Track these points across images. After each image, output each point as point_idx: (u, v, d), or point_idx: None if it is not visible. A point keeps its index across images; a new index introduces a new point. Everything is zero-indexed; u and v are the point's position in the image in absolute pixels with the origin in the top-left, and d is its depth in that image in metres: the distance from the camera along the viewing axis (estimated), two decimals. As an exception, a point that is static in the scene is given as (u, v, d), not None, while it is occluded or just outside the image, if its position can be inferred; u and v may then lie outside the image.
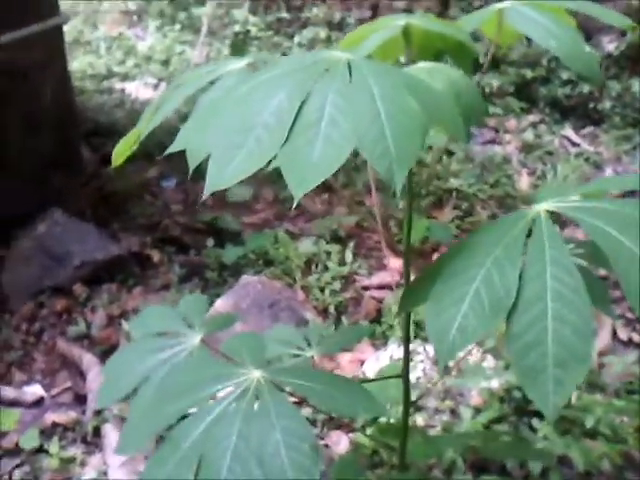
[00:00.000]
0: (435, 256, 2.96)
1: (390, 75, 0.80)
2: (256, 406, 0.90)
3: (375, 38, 0.97)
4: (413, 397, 1.98)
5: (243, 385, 0.94)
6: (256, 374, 0.95)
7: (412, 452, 1.55)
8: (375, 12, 4.31)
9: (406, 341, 1.16)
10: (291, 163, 0.75)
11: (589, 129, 3.79)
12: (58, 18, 2.83)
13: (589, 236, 0.81)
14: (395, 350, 2.14)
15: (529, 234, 0.83)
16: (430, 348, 2.21)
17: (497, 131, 3.78)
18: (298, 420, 0.89)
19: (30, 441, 1.93)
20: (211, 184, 0.77)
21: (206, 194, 0.77)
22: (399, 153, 0.74)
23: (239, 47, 4.15)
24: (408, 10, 4.30)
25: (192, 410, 0.94)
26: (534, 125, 3.81)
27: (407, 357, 1.17)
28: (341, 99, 0.77)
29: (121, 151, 1.06)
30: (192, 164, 0.81)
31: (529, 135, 3.71)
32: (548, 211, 0.85)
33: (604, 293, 1.10)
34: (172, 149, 0.86)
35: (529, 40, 4.04)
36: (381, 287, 2.75)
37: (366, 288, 2.74)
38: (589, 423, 1.85)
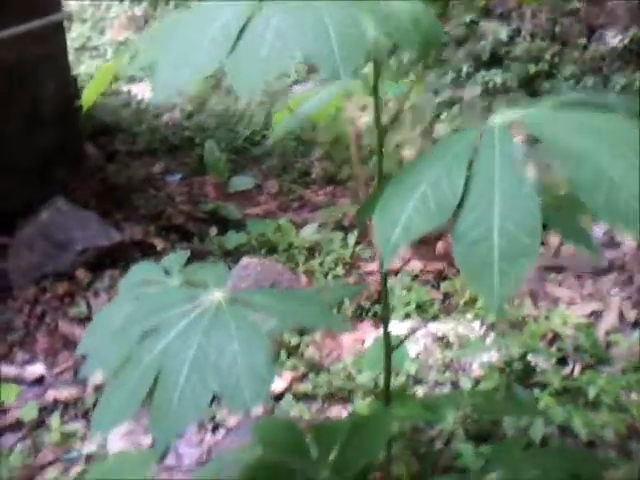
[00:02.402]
0: (439, 244, 2.96)
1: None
2: (216, 322, 0.91)
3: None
4: (412, 371, 1.97)
5: (205, 304, 0.94)
6: (218, 295, 0.96)
7: (406, 415, 1.54)
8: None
9: (384, 280, 1.15)
10: (237, 68, 0.76)
11: (594, 122, 3.78)
12: (59, 14, 2.87)
13: (537, 138, 0.79)
14: (395, 327, 2.13)
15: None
16: (431, 325, 2.20)
17: (501, 125, 3.78)
18: (256, 333, 0.89)
19: (30, 413, 1.94)
20: (158, 90, 0.78)
21: (155, 100, 0.77)
22: (343, 55, 0.75)
23: None
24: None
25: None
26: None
27: (386, 293, 1.16)
28: (287, 14, 0.78)
29: (91, 92, 1.07)
30: (155, 83, 0.81)
31: (533, 129, 3.70)
32: (502, 124, 0.83)
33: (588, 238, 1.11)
34: (135, 65, 0.87)
35: (532, 36, 4.05)
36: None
37: (369, 273, 2.73)
38: (592, 393, 1.83)
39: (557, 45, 3.88)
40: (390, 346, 1.21)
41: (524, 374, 1.90)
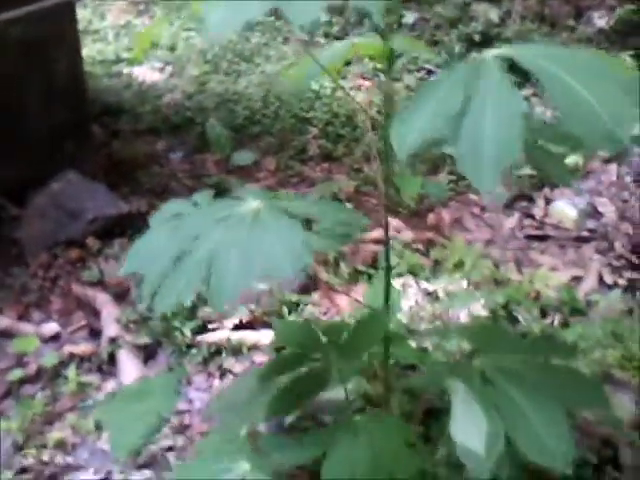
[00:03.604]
0: (430, 216, 3.11)
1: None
2: (256, 221, 1.08)
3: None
4: (404, 321, 2.12)
5: (245, 210, 1.11)
6: (256, 203, 1.12)
7: (401, 355, 1.69)
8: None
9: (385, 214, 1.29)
10: (290, 7, 0.91)
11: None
12: (70, -7, 3.00)
13: (528, 69, 0.96)
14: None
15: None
16: (422, 283, 2.36)
17: (491, 103, 3.92)
18: (292, 226, 1.06)
19: (51, 360, 2.10)
20: (216, 29, 0.92)
21: (211, 38, 0.92)
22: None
23: None
24: None
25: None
26: (527, 98, 3.95)
27: (386, 226, 1.30)
28: None
29: (145, 40, 1.22)
30: (210, 24, 0.95)
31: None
32: (494, 55, 1.02)
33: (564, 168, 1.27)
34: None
35: (523, 18, 4.20)
36: (377, 241, 2.89)
37: (363, 241, 2.87)
38: (570, 339, 1.99)
39: (546, 27, 4.02)
40: (390, 270, 1.36)
41: (508, 323, 2.06)
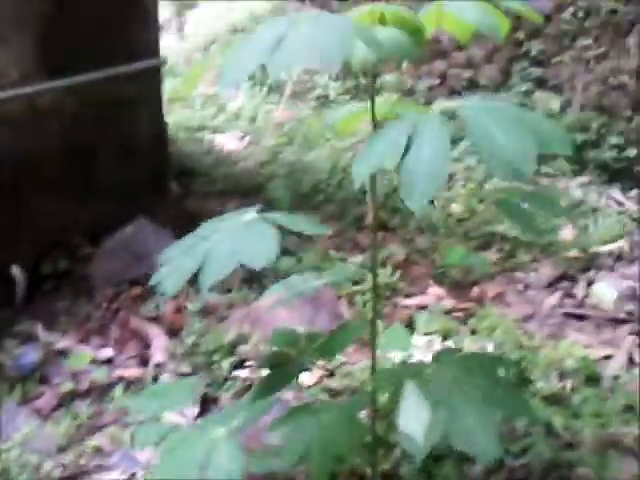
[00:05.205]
0: (475, 288, 3.25)
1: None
2: (245, 228, 1.37)
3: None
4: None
5: (243, 219, 1.42)
6: (250, 215, 1.42)
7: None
8: (443, 80, 4.74)
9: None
10: (274, 64, 1.15)
11: (635, 192, 4.02)
12: (158, 60, 3.37)
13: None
14: (415, 339, 2.44)
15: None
16: (449, 343, 2.50)
17: (547, 189, 4.07)
18: (269, 229, 1.34)
19: (101, 379, 2.34)
20: (226, 81, 1.17)
21: (222, 88, 1.15)
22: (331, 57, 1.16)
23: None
24: (474, 80, 4.70)
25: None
26: (583, 185, 4.08)
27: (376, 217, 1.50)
28: (306, 35, 1.20)
29: (193, 77, 1.49)
30: (224, 77, 1.22)
31: (577, 193, 3.97)
32: (438, 108, 1.27)
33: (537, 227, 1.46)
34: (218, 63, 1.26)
35: (582, 107, 4.36)
36: (419, 307, 3.05)
37: (405, 307, 3.04)
38: (576, 401, 2.09)
39: (604, 116, 4.17)
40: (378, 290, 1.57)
41: (519, 382, 2.18)
